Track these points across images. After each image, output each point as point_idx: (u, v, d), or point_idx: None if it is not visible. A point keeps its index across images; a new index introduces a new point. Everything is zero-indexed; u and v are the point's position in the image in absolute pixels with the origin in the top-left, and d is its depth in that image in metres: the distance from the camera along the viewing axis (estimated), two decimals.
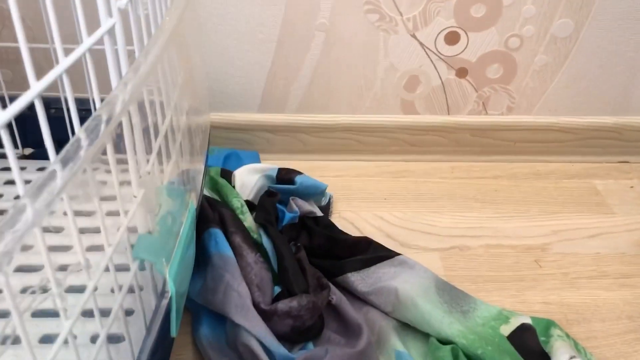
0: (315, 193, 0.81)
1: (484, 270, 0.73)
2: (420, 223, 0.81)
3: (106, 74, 0.40)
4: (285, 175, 0.81)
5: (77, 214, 0.31)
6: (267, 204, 0.74)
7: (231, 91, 0.90)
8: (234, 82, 0.89)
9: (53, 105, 0.71)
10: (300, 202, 0.77)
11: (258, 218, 0.72)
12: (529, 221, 0.82)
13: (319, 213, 0.76)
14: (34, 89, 0.27)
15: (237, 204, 0.74)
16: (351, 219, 0.81)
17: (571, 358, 0.56)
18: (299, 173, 0.81)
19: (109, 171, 0.36)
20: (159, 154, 0.47)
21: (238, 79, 0.88)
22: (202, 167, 0.64)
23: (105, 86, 0.39)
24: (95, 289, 0.35)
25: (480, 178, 0.92)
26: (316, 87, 0.90)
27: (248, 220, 0.72)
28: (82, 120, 0.33)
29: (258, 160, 0.91)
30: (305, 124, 0.92)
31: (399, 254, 0.70)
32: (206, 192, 0.78)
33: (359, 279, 0.67)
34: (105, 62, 0.39)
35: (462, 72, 0.89)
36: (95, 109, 0.33)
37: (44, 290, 0.30)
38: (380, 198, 0.86)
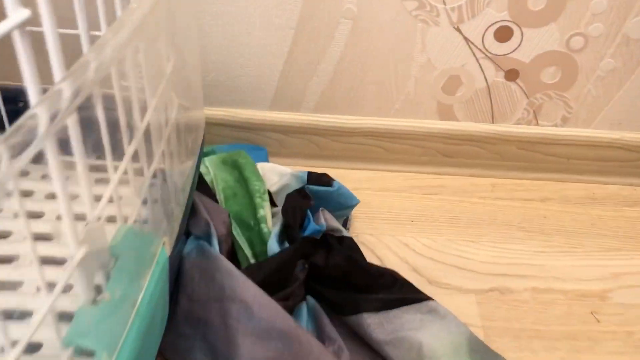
0: (347, 205, 0.69)
1: (529, 322, 0.60)
2: (454, 255, 0.68)
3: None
4: (320, 178, 0.68)
5: None
6: (297, 205, 0.62)
7: (240, 84, 0.77)
8: (243, 74, 0.76)
9: (22, 99, 0.59)
10: (328, 215, 0.65)
11: (284, 215, 0.61)
12: (584, 259, 0.69)
13: (346, 233, 0.64)
14: None
15: (258, 186, 0.63)
16: (371, 244, 0.69)
17: None
18: (333, 179, 0.69)
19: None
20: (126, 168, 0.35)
21: (248, 70, 0.76)
22: (190, 179, 0.52)
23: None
24: None
25: (525, 200, 0.78)
26: (338, 84, 0.77)
27: (265, 208, 0.61)
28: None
29: (266, 159, 0.79)
30: (323, 126, 0.79)
31: (429, 299, 0.57)
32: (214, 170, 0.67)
33: (377, 323, 0.55)
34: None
35: (512, 74, 0.75)
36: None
37: None
38: (406, 220, 0.73)
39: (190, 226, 0.56)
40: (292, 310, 0.56)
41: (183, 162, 0.51)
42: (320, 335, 0.55)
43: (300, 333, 0.50)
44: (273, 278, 0.56)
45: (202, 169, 0.67)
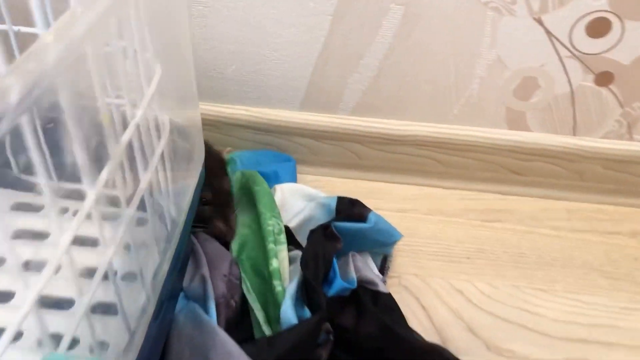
0: (386, 243, 0.56)
1: None
2: (519, 309, 0.55)
3: None
4: (352, 209, 0.56)
5: None
6: (321, 252, 0.49)
7: (265, 79, 0.64)
8: (269, 67, 0.63)
9: None
10: (361, 262, 0.52)
11: (303, 267, 0.48)
12: None
13: (383, 288, 0.51)
14: None
15: (273, 227, 0.50)
16: (416, 289, 0.56)
17: None
18: (369, 209, 0.56)
19: None
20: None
21: (276, 63, 0.62)
22: (181, 221, 0.40)
23: None
24: None
25: (611, 234, 0.63)
26: (384, 82, 0.63)
27: (280, 256, 0.49)
28: None
29: (294, 172, 0.66)
30: (363, 131, 0.65)
31: None
32: None
33: None
34: None
35: (604, 78, 0.60)
36: None
37: None
38: (461, 255, 0.60)
39: (184, 282, 0.45)
40: None
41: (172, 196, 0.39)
42: None
43: None
44: (292, 353, 0.44)
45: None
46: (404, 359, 0.46)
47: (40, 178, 0.21)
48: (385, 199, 0.66)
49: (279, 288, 0.47)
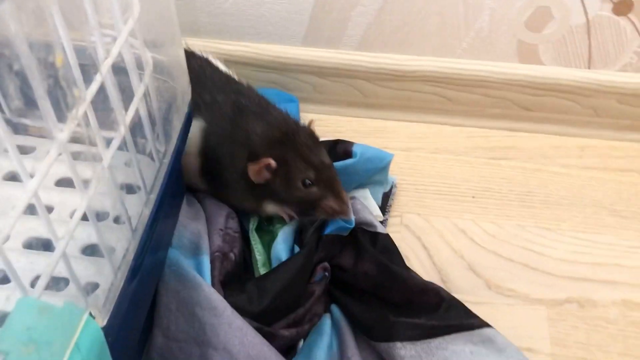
0: (377, 168, 0.55)
1: (615, 353, 0.47)
2: (523, 248, 0.54)
3: None
4: (335, 149, 0.55)
5: None
6: None
7: (266, 13, 0.61)
8: (269, 0, 0.60)
9: None
10: (359, 205, 0.51)
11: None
12: None
13: (381, 229, 0.50)
14: None
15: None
16: (418, 229, 0.55)
17: None
18: (351, 143, 0.55)
19: None
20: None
21: None
22: (167, 163, 0.39)
23: None
24: None
25: (623, 171, 0.61)
26: (389, 15, 0.60)
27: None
28: None
29: (297, 112, 0.65)
30: (368, 67, 0.63)
31: (485, 325, 0.44)
32: None
33: (413, 356, 0.43)
34: None
35: (623, 7, 0.56)
36: None
37: None
38: (466, 195, 0.59)
39: (174, 237, 0.44)
40: (307, 333, 0.45)
41: (161, 133, 0.39)
42: (342, 358, 0.44)
43: None
44: (279, 301, 0.44)
45: None
46: (400, 297, 0.46)
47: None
48: (391, 137, 0.65)
49: (278, 230, 0.47)
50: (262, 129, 0.46)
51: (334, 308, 0.47)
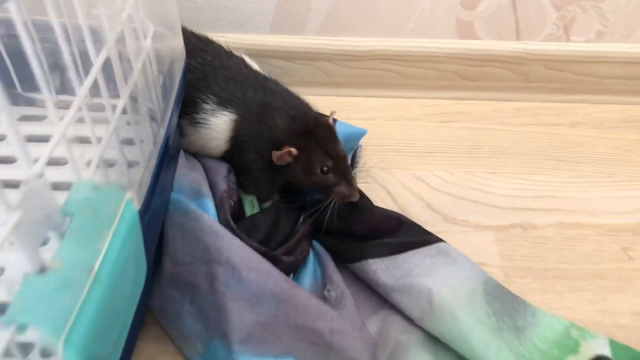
0: (355, 141, 0.64)
1: (553, 261, 0.55)
2: (472, 189, 0.63)
3: None
4: None
5: None
6: None
7: (236, 5, 0.70)
8: None
9: None
10: None
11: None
12: (617, 190, 0.63)
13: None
14: None
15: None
16: (383, 180, 0.64)
17: None
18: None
19: None
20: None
21: None
22: (163, 130, 0.47)
23: None
24: None
25: (554, 125, 0.71)
26: (344, 2, 0.69)
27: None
28: None
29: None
30: (329, 49, 0.72)
31: (439, 241, 0.52)
32: None
33: (383, 269, 0.51)
34: None
35: None
36: None
37: None
38: (422, 151, 0.68)
39: (175, 185, 0.52)
40: (298, 267, 0.52)
41: (160, 97, 0.46)
42: (324, 278, 0.52)
43: (295, 294, 0.46)
44: (272, 233, 0.52)
45: None
46: (367, 227, 0.54)
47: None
48: (355, 110, 0.73)
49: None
50: (285, 124, 0.53)
51: (315, 243, 0.55)
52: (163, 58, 0.47)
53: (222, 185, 0.53)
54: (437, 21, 0.70)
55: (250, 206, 0.57)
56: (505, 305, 0.49)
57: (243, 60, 0.59)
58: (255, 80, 0.56)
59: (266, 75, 0.59)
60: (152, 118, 0.46)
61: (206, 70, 0.55)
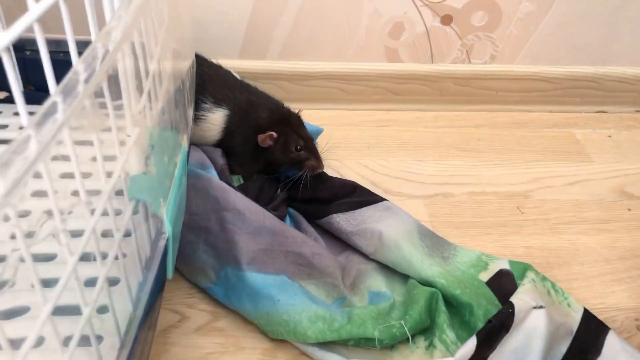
0: (315, 137, 0.81)
1: (467, 217, 0.74)
2: (404, 171, 0.82)
3: (83, 13, 0.38)
4: None
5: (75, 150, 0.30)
6: None
7: (211, 37, 0.87)
8: (214, 27, 0.86)
9: (28, 47, 0.67)
10: None
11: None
12: (511, 169, 0.83)
13: None
14: (33, 12, 0.26)
15: None
16: (336, 167, 0.81)
17: (534, 308, 0.57)
18: None
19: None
20: (149, 96, 0.46)
21: (218, 24, 0.86)
22: (191, 111, 0.62)
23: (82, 27, 0.37)
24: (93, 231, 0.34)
25: (463, 127, 0.92)
26: (298, 33, 0.88)
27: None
28: (61, 64, 0.32)
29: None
30: (287, 71, 0.90)
31: (384, 199, 0.70)
32: None
33: (344, 220, 0.67)
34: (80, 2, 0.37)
35: (447, 19, 0.88)
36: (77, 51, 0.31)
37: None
38: (364, 147, 0.86)
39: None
40: (281, 219, 0.68)
41: (183, 98, 0.62)
42: (300, 231, 0.68)
43: (285, 229, 0.62)
44: (260, 194, 0.68)
45: None
46: (329, 193, 0.71)
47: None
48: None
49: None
50: (266, 115, 0.70)
51: (290, 209, 0.71)
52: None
53: (221, 160, 0.69)
54: (370, 49, 0.90)
55: (237, 182, 0.72)
56: (434, 242, 0.67)
57: (230, 72, 0.76)
58: (241, 85, 0.73)
59: (249, 82, 0.76)
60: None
61: (204, 78, 0.72)
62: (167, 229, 0.41)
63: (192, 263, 0.61)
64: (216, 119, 0.71)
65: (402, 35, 0.89)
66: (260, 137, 0.68)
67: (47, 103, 0.26)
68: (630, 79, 0.95)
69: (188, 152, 0.55)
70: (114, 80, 0.37)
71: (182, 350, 0.56)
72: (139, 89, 0.42)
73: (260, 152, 0.70)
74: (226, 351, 0.56)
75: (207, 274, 0.60)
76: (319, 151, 0.75)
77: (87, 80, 0.28)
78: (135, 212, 0.42)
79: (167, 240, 0.42)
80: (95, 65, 0.30)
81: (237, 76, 0.77)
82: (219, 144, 0.73)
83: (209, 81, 0.72)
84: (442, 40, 0.90)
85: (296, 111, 0.73)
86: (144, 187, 0.41)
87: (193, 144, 0.74)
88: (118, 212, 0.40)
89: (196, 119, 0.71)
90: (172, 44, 0.59)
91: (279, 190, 0.71)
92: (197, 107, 0.71)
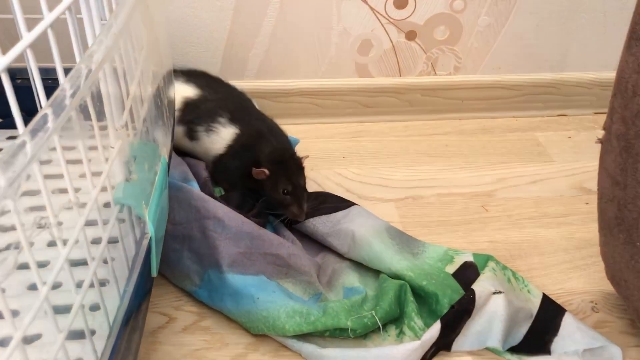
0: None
1: (435, 216, 0.79)
2: (377, 177, 0.87)
3: (69, 41, 0.42)
4: None
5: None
6: None
7: (191, 59, 0.92)
8: (193, 49, 0.92)
9: (18, 75, 0.73)
10: None
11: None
12: (477, 171, 0.89)
13: None
14: (26, 40, 0.31)
15: None
16: (312, 176, 0.86)
17: (493, 294, 0.62)
18: None
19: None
20: (130, 112, 0.51)
21: (198, 47, 0.91)
22: (170, 126, 0.67)
23: (68, 55, 0.42)
24: (76, 241, 0.39)
25: (431, 135, 0.98)
26: (273, 53, 0.94)
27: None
28: (50, 89, 0.34)
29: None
30: (264, 89, 0.96)
31: (355, 204, 0.75)
32: None
33: (320, 222, 0.72)
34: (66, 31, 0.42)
35: (411, 35, 0.94)
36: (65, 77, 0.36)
37: (40, 226, 0.34)
38: (338, 157, 0.91)
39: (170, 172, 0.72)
40: (262, 226, 0.73)
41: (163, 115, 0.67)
42: (278, 235, 0.72)
43: (263, 233, 0.67)
44: (242, 203, 0.73)
45: None
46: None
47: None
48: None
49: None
50: (268, 151, 0.74)
51: (270, 216, 0.76)
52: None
53: (204, 174, 0.74)
54: (341, 65, 0.96)
55: (219, 193, 0.77)
56: (403, 240, 0.72)
57: (250, 100, 0.83)
58: (258, 114, 0.80)
59: (266, 114, 0.82)
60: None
61: (224, 97, 0.78)
62: (150, 229, 0.46)
63: (178, 269, 0.66)
64: (226, 134, 0.76)
65: (371, 52, 0.95)
66: (255, 170, 0.73)
67: (39, 115, 0.31)
68: (587, 83, 1.01)
69: (168, 164, 0.60)
70: (98, 99, 0.42)
71: (170, 349, 0.60)
72: (121, 106, 0.47)
73: (252, 179, 0.75)
74: (212, 347, 0.61)
75: (191, 279, 0.65)
76: (305, 200, 0.77)
77: (72, 95, 0.33)
78: (121, 220, 0.47)
79: (150, 240, 0.46)
80: (80, 82, 0.35)
81: (257, 105, 0.83)
82: (219, 159, 0.77)
83: (229, 100, 0.78)
84: (408, 54, 0.96)
85: (300, 156, 0.77)
86: (129, 193, 0.46)
87: (186, 155, 0.79)
88: (106, 222, 0.44)
89: (208, 130, 0.76)
90: (152, 66, 0.64)
91: (260, 201, 0.76)
92: (213, 119, 0.76)
